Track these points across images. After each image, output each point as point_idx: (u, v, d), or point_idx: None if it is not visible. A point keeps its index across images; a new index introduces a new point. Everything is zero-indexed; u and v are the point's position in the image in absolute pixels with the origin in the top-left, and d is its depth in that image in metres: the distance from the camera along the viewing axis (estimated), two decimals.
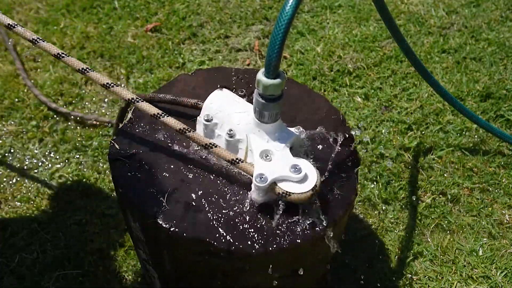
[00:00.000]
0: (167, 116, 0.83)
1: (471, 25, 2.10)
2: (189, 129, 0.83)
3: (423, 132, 1.65)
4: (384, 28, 2.00)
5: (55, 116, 1.65)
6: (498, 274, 1.31)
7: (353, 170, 0.89)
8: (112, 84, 0.84)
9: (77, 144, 1.57)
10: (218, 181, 0.85)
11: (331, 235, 0.79)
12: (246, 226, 0.79)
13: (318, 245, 0.82)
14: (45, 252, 1.31)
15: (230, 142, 0.84)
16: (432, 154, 1.58)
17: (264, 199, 0.80)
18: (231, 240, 0.77)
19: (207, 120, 0.86)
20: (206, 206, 0.81)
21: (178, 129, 0.83)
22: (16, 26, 0.85)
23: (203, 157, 0.89)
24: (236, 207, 0.81)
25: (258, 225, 0.79)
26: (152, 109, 0.83)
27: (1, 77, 1.77)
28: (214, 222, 0.79)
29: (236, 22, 2.06)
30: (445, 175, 1.53)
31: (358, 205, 1.45)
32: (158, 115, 0.83)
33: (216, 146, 0.82)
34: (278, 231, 0.78)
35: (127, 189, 0.84)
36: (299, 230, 0.79)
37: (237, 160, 0.81)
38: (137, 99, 0.84)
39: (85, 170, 1.51)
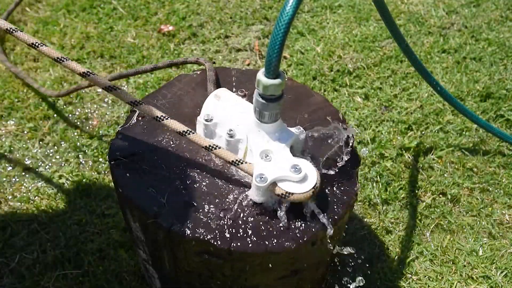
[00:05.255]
0: (168, 119, 0.83)
1: (471, 25, 2.10)
2: (190, 131, 0.83)
3: (423, 132, 1.65)
4: (384, 28, 2.00)
5: (55, 115, 1.65)
6: (498, 274, 1.31)
7: (353, 170, 0.89)
8: (115, 87, 0.83)
9: (77, 144, 1.57)
10: (218, 181, 0.85)
11: (331, 233, 0.79)
12: (246, 226, 0.79)
13: (318, 245, 0.82)
14: (45, 252, 1.31)
15: (230, 142, 0.84)
16: (432, 154, 1.58)
17: (264, 199, 0.80)
18: (231, 240, 0.77)
19: (207, 120, 0.86)
20: (206, 206, 0.81)
21: (179, 132, 0.82)
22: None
23: (204, 156, 0.89)
24: (236, 207, 0.81)
25: (258, 225, 0.79)
26: (155, 112, 0.83)
27: (1, 77, 1.77)
28: (214, 222, 0.79)
29: (236, 22, 2.06)
30: (445, 175, 1.53)
31: (358, 205, 1.45)
32: (161, 118, 0.83)
33: (216, 148, 0.81)
34: (278, 231, 0.78)
35: (127, 189, 0.84)
36: (299, 230, 0.79)
37: (238, 161, 0.81)
38: (139, 102, 0.84)
39: (85, 170, 1.51)
